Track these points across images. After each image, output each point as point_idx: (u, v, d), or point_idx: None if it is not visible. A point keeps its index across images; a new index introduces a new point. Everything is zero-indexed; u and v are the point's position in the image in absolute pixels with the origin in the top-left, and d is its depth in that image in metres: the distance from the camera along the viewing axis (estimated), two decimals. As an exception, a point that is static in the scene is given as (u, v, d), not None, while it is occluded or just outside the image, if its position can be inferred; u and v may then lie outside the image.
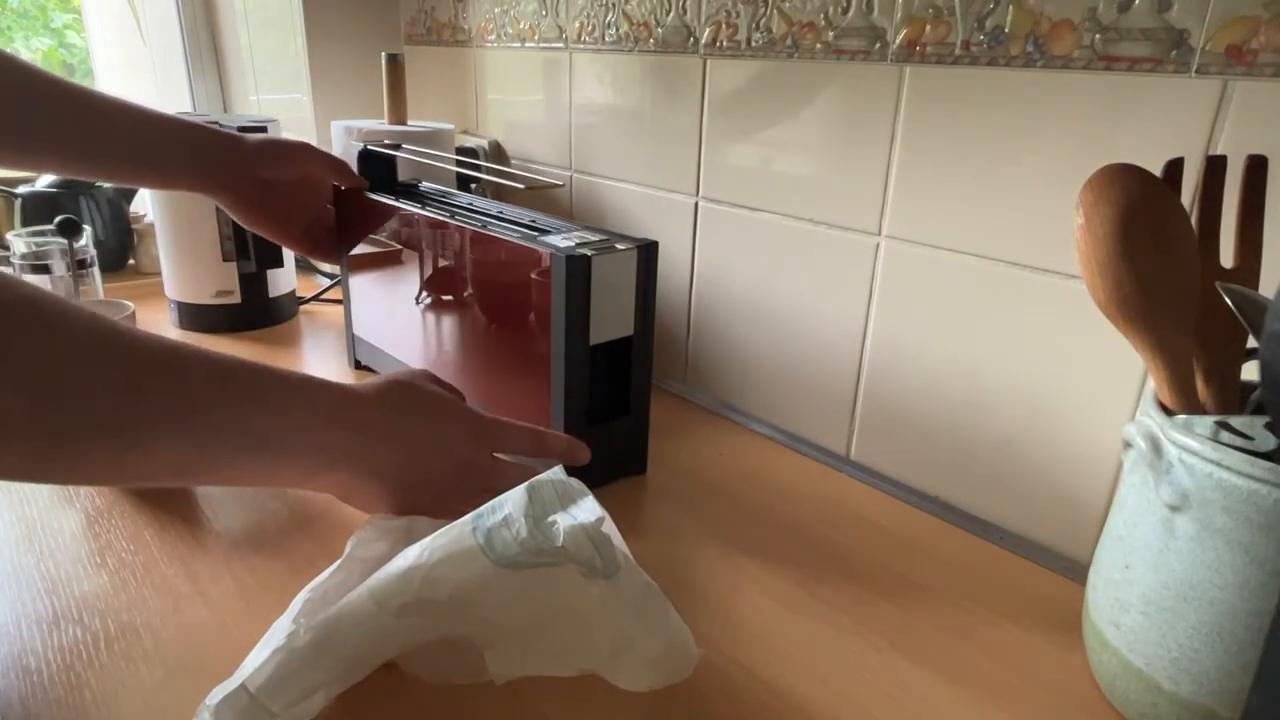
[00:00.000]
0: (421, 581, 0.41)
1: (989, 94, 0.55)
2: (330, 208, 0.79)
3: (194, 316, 0.94)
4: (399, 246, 0.74)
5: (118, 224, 1.15)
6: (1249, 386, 0.43)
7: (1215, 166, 0.42)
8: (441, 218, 0.68)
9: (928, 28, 0.57)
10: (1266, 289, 0.41)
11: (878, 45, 0.60)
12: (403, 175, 0.80)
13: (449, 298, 0.70)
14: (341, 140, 0.96)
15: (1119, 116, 0.49)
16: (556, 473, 0.47)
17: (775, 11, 0.67)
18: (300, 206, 0.76)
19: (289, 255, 0.98)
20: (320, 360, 0.88)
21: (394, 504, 0.49)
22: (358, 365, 0.85)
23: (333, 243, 0.80)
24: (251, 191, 0.72)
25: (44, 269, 0.86)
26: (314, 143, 1.13)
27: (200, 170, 0.70)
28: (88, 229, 0.86)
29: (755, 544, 0.57)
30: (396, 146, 0.77)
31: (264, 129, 0.89)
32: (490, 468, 0.52)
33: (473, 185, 0.92)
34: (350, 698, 0.41)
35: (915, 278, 0.62)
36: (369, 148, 0.77)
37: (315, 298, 1.06)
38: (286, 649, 0.39)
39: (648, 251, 0.59)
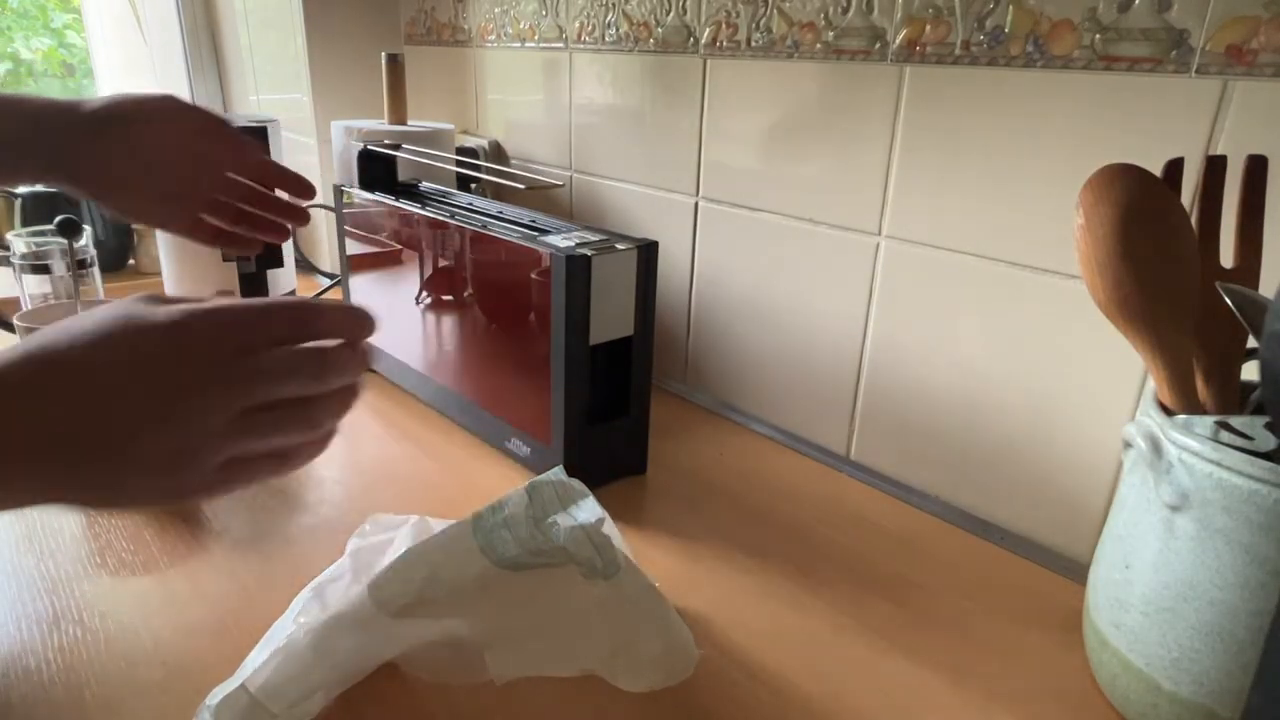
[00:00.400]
0: (422, 582, 0.41)
1: (989, 94, 0.55)
2: (236, 179, 0.59)
3: (194, 316, 0.94)
4: (399, 246, 0.74)
5: (118, 224, 1.15)
6: (1249, 386, 0.43)
7: (1215, 166, 0.42)
8: (441, 218, 0.68)
9: (928, 28, 0.57)
10: (1266, 289, 0.41)
11: (878, 45, 0.60)
12: (403, 175, 0.80)
13: (449, 298, 0.70)
14: (341, 140, 0.96)
15: (1119, 116, 0.49)
16: (557, 473, 0.47)
17: (775, 11, 0.67)
18: (184, 182, 0.56)
19: (289, 255, 0.98)
20: (320, 360, 0.88)
21: (128, 479, 0.32)
22: (358, 365, 0.84)
23: (245, 226, 0.60)
24: (110, 172, 0.53)
25: (44, 269, 0.86)
26: (313, 142, 1.13)
27: (36, 153, 0.52)
28: (88, 229, 0.86)
29: (755, 544, 0.57)
30: (396, 146, 0.77)
31: (264, 129, 0.89)
32: (255, 372, 0.33)
33: (473, 185, 0.92)
34: (350, 698, 0.41)
35: (915, 278, 0.62)
36: (369, 148, 0.77)
37: (315, 298, 1.06)
38: (287, 649, 0.39)
39: (648, 251, 0.59)
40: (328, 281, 1.10)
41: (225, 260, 0.92)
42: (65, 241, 0.84)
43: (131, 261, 1.17)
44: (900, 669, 0.46)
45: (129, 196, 0.55)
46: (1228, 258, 0.43)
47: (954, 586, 0.54)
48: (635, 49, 0.80)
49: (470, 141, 1.06)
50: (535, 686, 0.43)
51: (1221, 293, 0.39)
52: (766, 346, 0.75)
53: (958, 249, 0.59)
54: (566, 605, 0.43)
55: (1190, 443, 0.38)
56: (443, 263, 0.69)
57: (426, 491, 0.63)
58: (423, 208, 0.71)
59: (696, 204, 0.78)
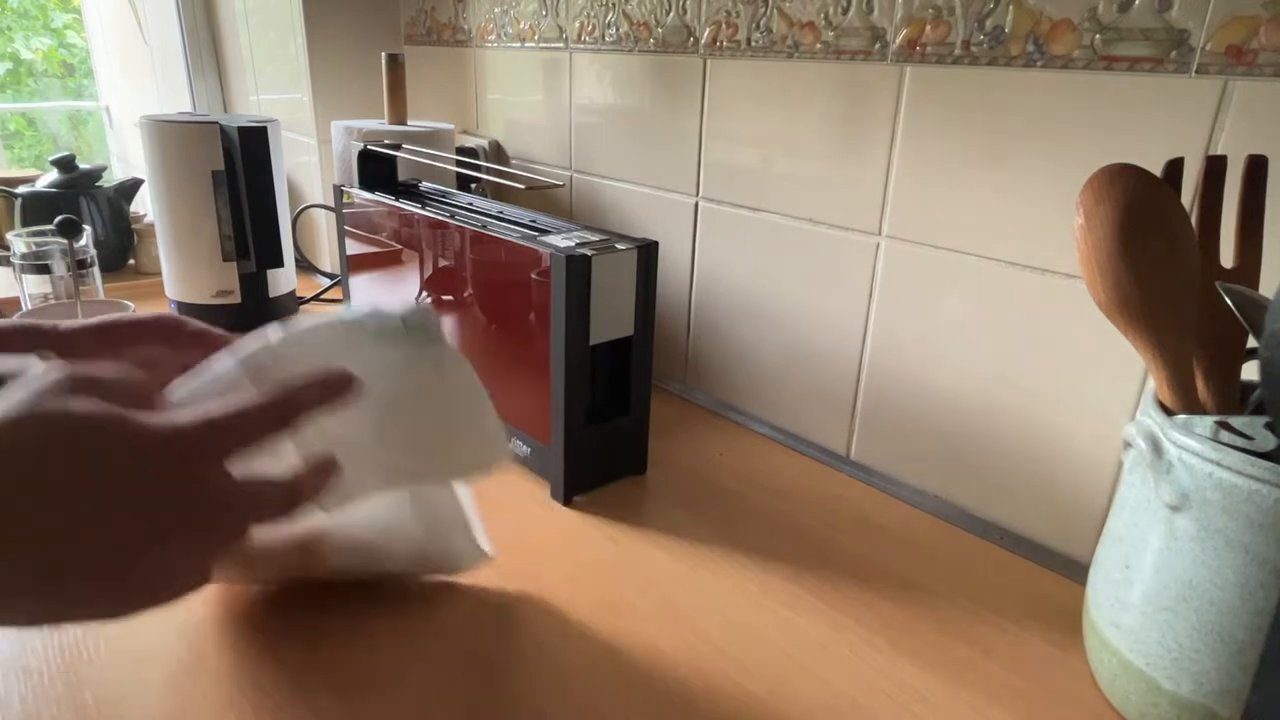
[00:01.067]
0: (280, 342, 0.41)
1: (989, 94, 0.55)
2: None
3: (194, 316, 0.94)
4: (399, 246, 0.74)
5: (118, 224, 1.15)
6: (1249, 386, 0.43)
7: (1215, 166, 0.42)
8: (441, 218, 0.68)
9: (928, 28, 0.57)
10: (1266, 289, 0.41)
11: (878, 45, 0.60)
12: (403, 175, 0.80)
13: (449, 298, 0.70)
14: (341, 140, 0.96)
15: (1119, 116, 0.49)
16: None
17: (775, 11, 0.67)
18: None
19: (289, 255, 0.98)
20: (320, 360, 0.88)
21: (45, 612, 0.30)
22: (358, 365, 0.84)
23: None
24: None
25: (44, 269, 0.86)
26: (313, 142, 1.13)
27: None
28: (88, 229, 0.86)
29: (755, 544, 0.57)
30: (396, 146, 0.77)
31: (264, 128, 0.89)
32: (219, 498, 0.33)
33: (473, 185, 0.92)
34: (347, 698, 0.41)
35: (915, 278, 0.62)
36: (369, 148, 0.78)
37: (315, 298, 1.06)
38: None
39: (648, 251, 0.59)
40: (328, 281, 1.10)
41: (225, 260, 0.92)
42: (65, 241, 0.84)
43: (131, 261, 1.17)
44: (900, 669, 0.46)
45: None
46: (1228, 258, 0.43)
47: (954, 586, 0.54)
48: (635, 49, 0.80)
49: (470, 141, 1.06)
50: (534, 685, 0.43)
51: (1221, 293, 0.39)
52: (766, 346, 0.75)
53: (958, 249, 0.59)
54: (403, 393, 0.44)
55: (1190, 443, 0.38)
56: (443, 263, 0.69)
57: (426, 491, 0.63)
58: (423, 208, 0.71)
59: (696, 204, 0.78)
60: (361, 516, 0.46)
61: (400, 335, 0.44)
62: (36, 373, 0.31)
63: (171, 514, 0.31)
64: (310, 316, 0.44)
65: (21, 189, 1.11)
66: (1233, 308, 0.39)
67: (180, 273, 0.93)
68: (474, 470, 0.47)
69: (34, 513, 0.29)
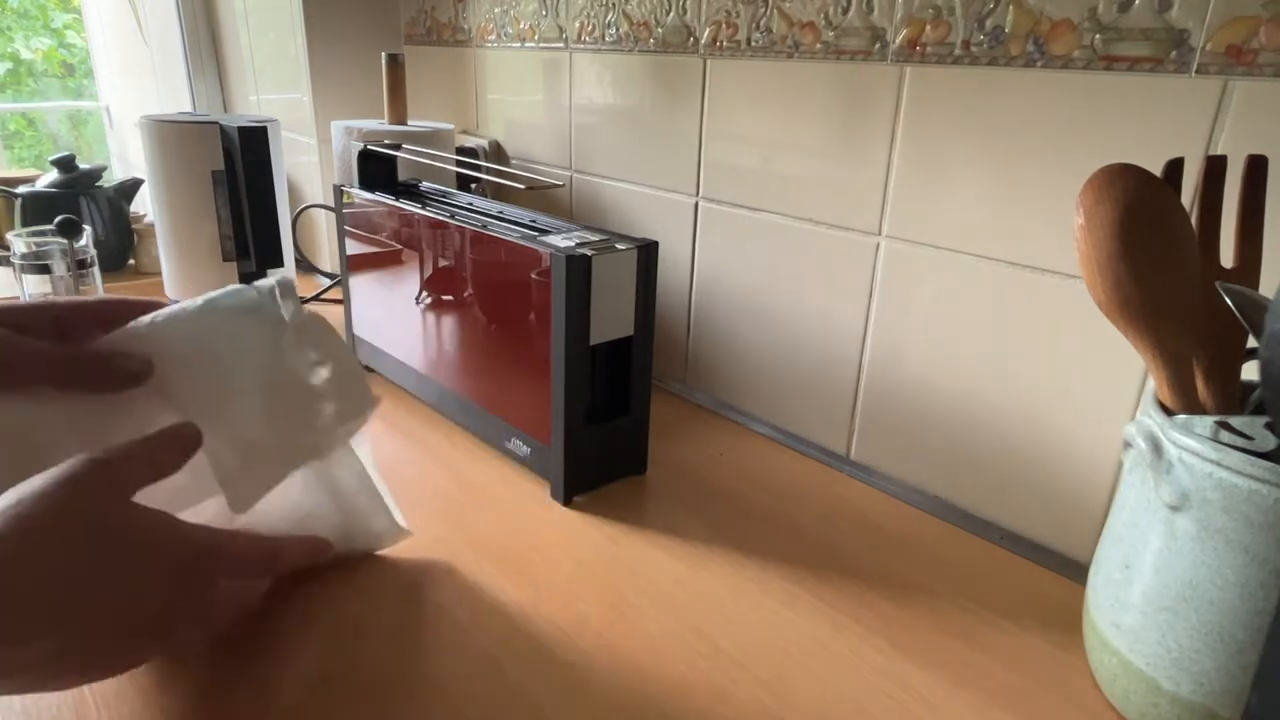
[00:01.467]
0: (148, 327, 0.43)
1: (989, 94, 0.55)
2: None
3: (194, 316, 0.94)
4: (399, 246, 0.74)
5: (118, 224, 1.15)
6: (1249, 386, 0.43)
7: (1215, 166, 0.42)
8: (441, 218, 0.68)
9: (928, 28, 0.57)
10: (1266, 289, 0.41)
11: (878, 45, 0.60)
12: (403, 175, 0.80)
13: (449, 298, 0.70)
14: (341, 140, 0.96)
15: (1119, 116, 0.49)
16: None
17: (775, 11, 0.67)
18: None
19: (289, 255, 0.98)
20: (320, 360, 0.88)
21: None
22: (358, 365, 0.85)
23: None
24: None
25: (44, 269, 0.86)
26: (313, 142, 1.13)
27: None
28: (88, 229, 0.86)
29: (755, 544, 0.57)
30: (396, 146, 0.77)
31: (264, 128, 0.89)
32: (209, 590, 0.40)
33: (473, 185, 0.92)
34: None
35: (915, 278, 0.62)
36: (369, 148, 0.78)
37: (315, 298, 1.06)
38: None
39: (648, 251, 0.59)
40: (327, 281, 1.11)
41: (225, 260, 0.92)
42: (65, 241, 0.84)
43: (131, 261, 1.17)
44: (900, 669, 0.46)
45: None
46: (1228, 258, 0.43)
47: (954, 586, 0.54)
48: (635, 49, 0.80)
49: (470, 141, 1.06)
50: (533, 684, 0.43)
51: (1221, 293, 0.39)
52: (766, 346, 0.75)
53: (958, 249, 0.59)
54: (271, 362, 0.45)
55: (1190, 443, 0.38)
56: (443, 263, 0.69)
57: (427, 492, 0.63)
58: (423, 208, 0.71)
59: (696, 204, 0.78)
60: (274, 511, 0.47)
61: (254, 302, 0.46)
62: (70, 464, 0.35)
63: (175, 608, 0.37)
64: (170, 306, 0.45)
65: (21, 189, 1.11)
66: (1233, 308, 0.39)
67: (180, 273, 0.93)
68: (357, 416, 0.49)
69: (67, 599, 0.33)
